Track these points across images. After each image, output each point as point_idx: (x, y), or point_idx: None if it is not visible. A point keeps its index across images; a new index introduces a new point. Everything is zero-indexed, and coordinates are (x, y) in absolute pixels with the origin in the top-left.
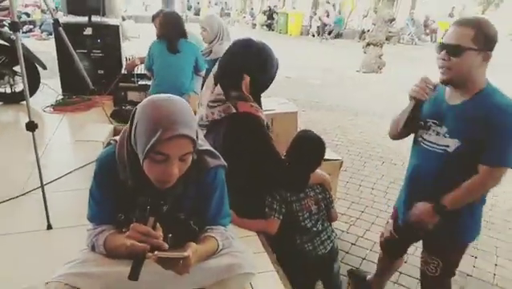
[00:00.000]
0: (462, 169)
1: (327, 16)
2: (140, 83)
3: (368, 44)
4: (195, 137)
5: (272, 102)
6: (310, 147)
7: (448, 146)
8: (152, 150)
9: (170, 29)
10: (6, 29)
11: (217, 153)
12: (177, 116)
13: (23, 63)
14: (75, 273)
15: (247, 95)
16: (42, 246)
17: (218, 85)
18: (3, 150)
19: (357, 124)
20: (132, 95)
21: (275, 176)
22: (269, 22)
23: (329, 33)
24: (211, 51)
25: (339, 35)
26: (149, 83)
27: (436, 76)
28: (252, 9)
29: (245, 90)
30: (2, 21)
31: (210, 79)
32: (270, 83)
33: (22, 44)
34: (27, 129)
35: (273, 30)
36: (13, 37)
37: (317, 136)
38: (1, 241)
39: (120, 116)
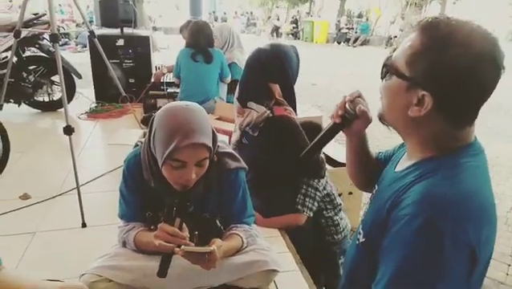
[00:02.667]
0: (368, 275)
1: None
2: (168, 90)
3: (395, 50)
4: (211, 144)
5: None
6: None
7: (360, 233)
8: (169, 157)
9: (199, 37)
10: (45, 41)
11: (238, 156)
12: (194, 124)
13: (61, 72)
14: (108, 266)
15: (281, 100)
16: (77, 243)
17: (255, 104)
18: (42, 154)
19: (384, 131)
20: (161, 103)
21: (315, 166)
22: (295, 30)
23: (355, 40)
24: None
25: (365, 42)
26: (178, 90)
27: None
28: (278, 18)
29: (279, 96)
30: (42, 34)
31: (236, 104)
32: (297, 73)
33: (60, 55)
34: (65, 133)
35: (298, 38)
36: (51, 49)
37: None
38: (40, 237)
39: (149, 122)
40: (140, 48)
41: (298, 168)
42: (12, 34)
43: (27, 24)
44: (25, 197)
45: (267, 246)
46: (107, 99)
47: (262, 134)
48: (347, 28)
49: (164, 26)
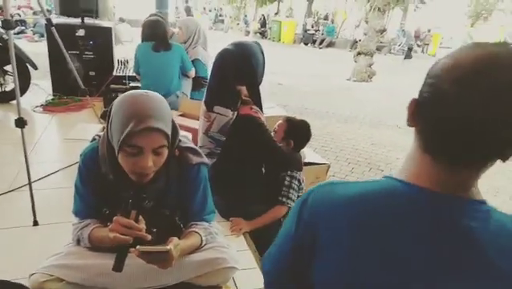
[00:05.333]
0: None
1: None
2: (131, 84)
3: (359, 53)
4: (168, 131)
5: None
6: (308, 129)
7: None
8: (124, 142)
9: (156, 29)
10: None
11: (200, 151)
12: (151, 109)
13: (15, 61)
14: (59, 265)
15: (247, 99)
16: (28, 242)
17: (221, 108)
18: None
19: (346, 131)
20: None
21: (283, 161)
22: (262, 29)
23: (321, 42)
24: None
25: (331, 44)
26: (140, 84)
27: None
28: (246, 16)
29: (245, 96)
30: None
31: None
32: (263, 70)
33: (14, 43)
34: (16, 126)
35: (266, 37)
36: (5, 36)
37: (303, 120)
38: None
39: None
40: (102, 40)
41: (281, 163)
42: None
43: None
44: None
45: (227, 243)
46: (66, 91)
47: (229, 134)
48: (314, 30)
49: (129, 18)
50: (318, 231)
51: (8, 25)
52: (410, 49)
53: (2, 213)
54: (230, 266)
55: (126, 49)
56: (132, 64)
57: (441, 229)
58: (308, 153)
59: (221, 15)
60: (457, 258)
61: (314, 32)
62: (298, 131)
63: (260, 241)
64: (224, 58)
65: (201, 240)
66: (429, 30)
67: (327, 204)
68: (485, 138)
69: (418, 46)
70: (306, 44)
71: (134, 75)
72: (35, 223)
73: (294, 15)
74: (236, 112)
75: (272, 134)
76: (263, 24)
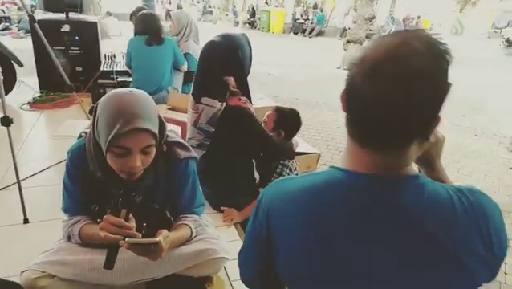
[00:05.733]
0: None
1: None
2: (119, 79)
3: (349, 42)
4: (156, 131)
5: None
6: (298, 118)
7: None
8: (111, 144)
9: (149, 23)
10: None
11: (188, 145)
12: (137, 109)
13: None
14: (50, 261)
15: (235, 90)
16: (19, 240)
17: (209, 99)
18: None
19: (337, 120)
20: None
21: (275, 151)
22: (251, 20)
23: (310, 31)
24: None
25: (321, 33)
26: (129, 79)
27: None
28: (234, 6)
29: (233, 87)
30: None
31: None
32: (251, 62)
33: None
34: (2, 124)
35: (256, 28)
36: None
37: (293, 109)
38: None
39: None
40: (88, 35)
41: (273, 152)
42: None
43: None
44: None
45: (217, 234)
46: (53, 88)
47: (219, 126)
48: (304, 19)
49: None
50: (271, 229)
51: None
52: None
53: None
54: (220, 257)
55: (114, 43)
56: (119, 59)
57: (379, 208)
58: (299, 143)
59: (209, 6)
60: (395, 236)
61: (303, 21)
62: (288, 120)
63: None
64: (210, 49)
65: (191, 232)
66: (419, 17)
67: (277, 202)
68: (397, 123)
69: None
70: (295, 34)
71: (122, 70)
72: (26, 221)
73: (284, 5)
74: (224, 103)
75: (262, 125)
76: (252, 14)
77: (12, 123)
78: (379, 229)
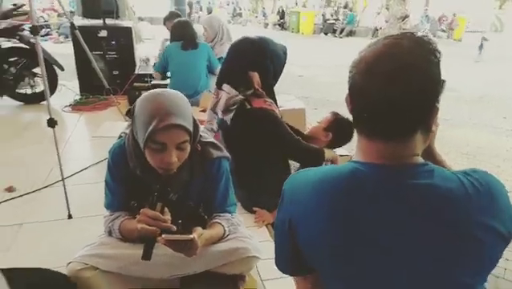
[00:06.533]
0: None
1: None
2: (152, 82)
3: None
4: (190, 127)
5: (279, 99)
6: (351, 131)
7: None
8: (148, 139)
9: (185, 30)
10: (25, 33)
11: (221, 145)
12: (171, 107)
13: (43, 64)
14: (93, 254)
15: (261, 92)
16: (63, 234)
17: (228, 87)
18: (27, 147)
19: None
20: None
21: (300, 156)
22: (281, 21)
23: (341, 31)
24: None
25: (351, 33)
26: (162, 82)
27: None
28: (264, 8)
29: (258, 86)
30: (22, 25)
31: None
32: (281, 72)
33: (41, 47)
34: (48, 125)
35: (285, 29)
36: (33, 40)
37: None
38: (27, 228)
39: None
40: (123, 39)
41: (298, 156)
42: None
43: (7, 15)
44: (10, 189)
45: (249, 234)
46: (92, 91)
47: (237, 124)
48: (334, 19)
49: (148, 16)
50: (293, 215)
51: (35, 31)
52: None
53: (39, 208)
54: (253, 256)
55: (147, 47)
56: (153, 62)
57: (390, 193)
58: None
59: (239, 9)
60: (408, 217)
61: (333, 21)
62: (341, 128)
63: None
64: (242, 42)
65: (224, 230)
66: (454, 15)
67: (298, 189)
68: (397, 114)
69: (443, 31)
70: (326, 34)
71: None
72: (70, 216)
73: (313, 5)
74: (243, 97)
75: (317, 124)
76: (282, 16)
77: (57, 124)
78: (390, 211)
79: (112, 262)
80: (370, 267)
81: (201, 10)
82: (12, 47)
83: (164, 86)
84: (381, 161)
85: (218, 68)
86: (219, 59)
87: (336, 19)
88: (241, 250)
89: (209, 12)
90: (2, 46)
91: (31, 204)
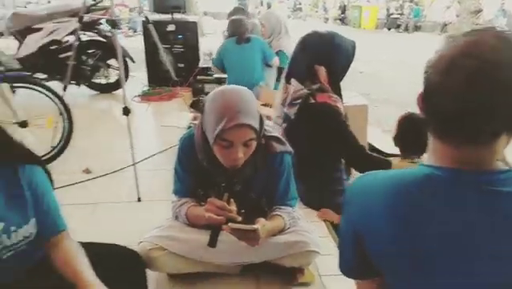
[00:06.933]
0: None
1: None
2: (215, 76)
3: None
4: (257, 126)
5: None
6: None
7: None
8: (218, 137)
9: (238, 27)
10: (102, 26)
11: (284, 140)
12: (240, 106)
13: (121, 56)
14: (162, 236)
15: (326, 86)
16: (132, 215)
17: (295, 82)
18: (101, 133)
19: None
20: (208, 87)
21: (356, 161)
22: (342, 16)
23: (406, 26)
24: (270, 47)
25: (417, 28)
26: (224, 76)
27: None
28: (325, 2)
29: (324, 81)
30: (100, 19)
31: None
32: (348, 67)
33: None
34: (123, 113)
35: (346, 24)
36: (109, 34)
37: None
38: (101, 207)
39: (197, 106)
40: (189, 33)
41: (355, 160)
42: (72, 19)
43: (87, 9)
44: (87, 171)
45: (309, 228)
46: (159, 82)
47: (300, 119)
48: (398, 13)
49: (211, 11)
50: (359, 219)
51: (114, 24)
52: None
53: (112, 190)
54: (312, 250)
55: (209, 41)
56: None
57: (470, 198)
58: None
59: (299, 3)
60: (490, 223)
61: (398, 16)
62: (414, 130)
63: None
64: (311, 36)
65: (285, 223)
66: None
67: (364, 193)
68: (481, 117)
69: None
70: (389, 29)
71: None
72: (139, 199)
73: None
74: (309, 91)
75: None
76: (343, 10)
77: (130, 112)
78: (468, 218)
79: (180, 245)
80: (442, 273)
81: (261, 4)
82: (90, 40)
83: (226, 79)
84: (458, 166)
85: (274, 60)
86: (277, 52)
87: (401, 14)
88: (300, 243)
89: (269, 7)
90: (82, 39)
91: (105, 186)
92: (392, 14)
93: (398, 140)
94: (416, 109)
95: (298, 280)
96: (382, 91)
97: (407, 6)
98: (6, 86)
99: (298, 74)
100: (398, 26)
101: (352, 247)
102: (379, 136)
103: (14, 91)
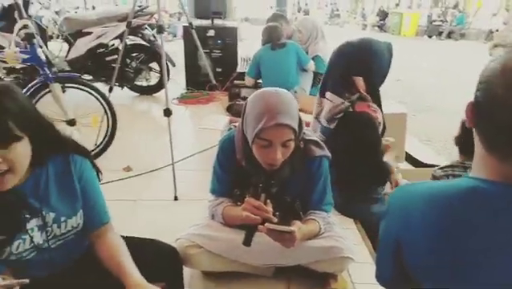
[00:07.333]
0: None
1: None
2: (247, 79)
3: (496, 46)
4: (296, 126)
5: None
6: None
7: None
8: (257, 136)
9: (272, 34)
10: (146, 31)
11: (323, 144)
12: (280, 106)
13: (165, 60)
14: (200, 234)
15: (365, 95)
16: (169, 213)
17: (332, 95)
18: (141, 133)
19: None
20: (244, 92)
21: (374, 175)
22: (381, 22)
23: (448, 33)
24: (307, 52)
25: (460, 36)
26: (259, 81)
27: None
28: (363, 9)
29: (363, 90)
30: (144, 24)
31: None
32: (387, 72)
33: (158, 45)
34: (164, 115)
35: (385, 31)
36: (152, 38)
37: None
38: (140, 204)
39: (234, 110)
40: (229, 39)
41: (371, 173)
42: (119, 24)
43: (134, 15)
44: (128, 169)
45: (344, 234)
46: (196, 86)
47: (339, 128)
48: (440, 20)
49: (250, 17)
50: (400, 229)
51: (160, 29)
52: None
53: (150, 188)
54: (347, 256)
55: (246, 46)
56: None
57: None
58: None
59: (337, 10)
60: None
61: (440, 23)
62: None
63: (377, 238)
64: (344, 47)
65: (320, 228)
66: None
67: (406, 202)
68: None
69: None
70: (430, 37)
71: None
72: (175, 198)
73: (418, 5)
74: (348, 103)
75: None
76: (383, 17)
77: (171, 114)
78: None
79: (215, 244)
80: (485, 285)
81: (298, 11)
82: (134, 44)
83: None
84: (504, 180)
85: (309, 64)
86: (314, 57)
87: (443, 20)
88: (335, 249)
89: (306, 13)
90: (127, 43)
91: (144, 183)
92: (434, 20)
93: (459, 140)
94: (459, 118)
95: (330, 286)
96: (421, 99)
97: (450, 12)
98: (57, 86)
99: (335, 87)
100: (440, 34)
101: (391, 257)
102: (417, 145)
103: (64, 91)
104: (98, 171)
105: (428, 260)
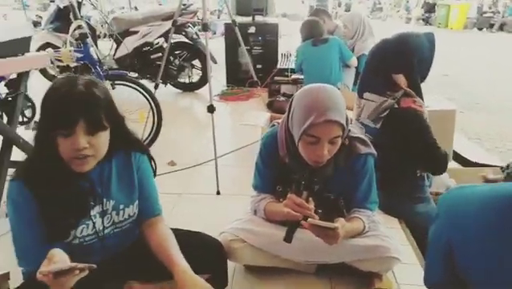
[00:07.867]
0: None
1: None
2: (292, 77)
3: None
4: (344, 122)
5: (426, 99)
6: None
7: None
8: (305, 133)
9: (313, 29)
10: (189, 29)
11: (368, 142)
12: (328, 102)
13: (209, 57)
14: (242, 228)
15: (409, 91)
16: (212, 207)
17: (373, 95)
18: (184, 128)
19: None
20: (284, 88)
21: (439, 165)
22: (426, 15)
23: (500, 26)
24: (353, 49)
25: None
26: (301, 76)
27: None
28: (408, 1)
29: (406, 86)
30: (188, 23)
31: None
32: (430, 64)
33: (200, 42)
34: (208, 111)
35: (430, 24)
36: (195, 36)
37: None
38: (184, 198)
39: (274, 106)
40: (269, 35)
41: (425, 165)
42: (164, 22)
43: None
44: (172, 163)
45: (389, 233)
46: (236, 83)
47: (385, 126)
48: (492, 11)
49: (288, 12)
50: (451, 231)
51: (206, 27)
52: None
53: (194, 182)
54: (393, 256)
55: (286, 42)
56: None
57: None
58: (480, 153)
59: (379, 3)
60: None
61: (491, 15)
62: None
63: (422, 239)
64: (381, 45)
65: (364, 226)
66: None
67: (457, 204)
68: None
69: None
70: (480, 29)
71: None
72: (218, 193)
73: None
74: (391, 100)
75: None
76: (429, 9)
77: (215, 110)
78: None
79: (258, 239)
80: None
81: (339, 5)
82: (177, 42)
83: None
84: None
85: (352, 60)
86: (360, 56)
87: (495, 12)
88: (381, 248)
89: (348, 8)
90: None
91: (188, 178)
92: (484, 12)
93: None
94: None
95: (375, 285)
96: (469, 95)
97: (501, 3)
98: (108, 83)
99: (376, 87)
100: (491, 26)
101: (442, 261)
102: (465, 143)
103: (113, 88)
104: (153, 165)
105: (486, 266)
